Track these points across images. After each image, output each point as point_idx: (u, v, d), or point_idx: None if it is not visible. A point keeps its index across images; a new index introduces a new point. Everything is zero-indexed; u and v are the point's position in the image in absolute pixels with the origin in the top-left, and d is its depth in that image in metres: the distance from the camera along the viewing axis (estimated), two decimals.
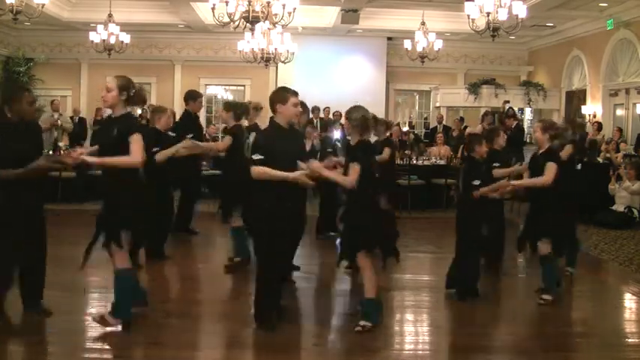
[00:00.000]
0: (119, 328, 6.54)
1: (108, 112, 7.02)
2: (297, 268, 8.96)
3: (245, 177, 8.22)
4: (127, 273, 6.51)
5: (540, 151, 8.20)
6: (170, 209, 10.03)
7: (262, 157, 6.51)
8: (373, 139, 10.77)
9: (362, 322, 6.79)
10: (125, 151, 6.22)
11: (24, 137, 6.56)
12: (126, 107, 6.53)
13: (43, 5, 14.23)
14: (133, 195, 6.43)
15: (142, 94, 6.68)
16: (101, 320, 6.58)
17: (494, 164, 8.93)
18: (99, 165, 6.58)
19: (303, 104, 8.49)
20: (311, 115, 18.31)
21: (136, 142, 6.25)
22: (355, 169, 6.64)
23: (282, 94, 6.79)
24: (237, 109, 9.70)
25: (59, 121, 17.90)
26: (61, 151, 14.01)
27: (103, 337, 6.52)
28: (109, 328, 6.53)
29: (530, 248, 8.41)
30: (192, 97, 10.86)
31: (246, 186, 8.59)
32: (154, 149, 9.14)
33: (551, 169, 7.88)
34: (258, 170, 6.52)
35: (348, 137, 7.48)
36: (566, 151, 9.26)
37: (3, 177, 6.32)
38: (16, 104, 6.61)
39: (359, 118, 6.91)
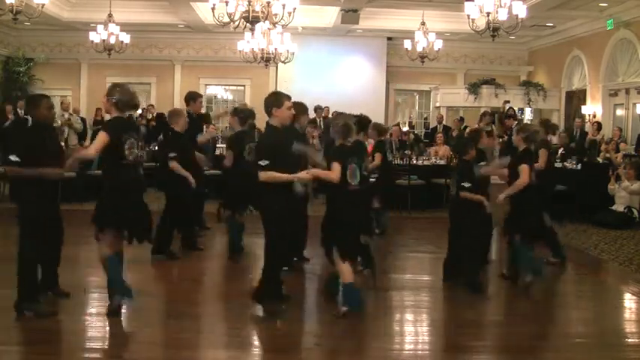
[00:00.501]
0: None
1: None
2: (307, 260, 9.35)
3: (246, 180, 8.54)
4: (109, 260, 6.95)
5: (517, 153, 8.76)
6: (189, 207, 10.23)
7: (268, 162, 6.95)
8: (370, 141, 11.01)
9: (343, 308, 7.22)
10: (109, 150, 6.78)
11: (41, 138, 7.04)
12: (120, 111, 7.00)
13: (43, 5, 14.23)
14: (118, 194, 6.87)
15: (126, 100, 7.04)
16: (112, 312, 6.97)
17: (481, 163, 9.23)
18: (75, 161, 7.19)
19: (301, 104, 8.77)
20: (314, 115, 18.42)
21: (97, 138, 6.81)
22: (336, 167, 7.16)
23: (277, 99, 7.28)
24: (241, 113, 9.98)
25: (70, 120, 17.97)
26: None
27: (103, 337, 6.56)
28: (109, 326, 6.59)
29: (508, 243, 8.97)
30: (192, 97, 11.01)
31: (247, 188, 8.88)
32: (171, 155, 9.51)
33: (524, 171, 8.44)
34: (266, 175, 6.97)
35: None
36: (542, 157, 9.62)
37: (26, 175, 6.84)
38: (35, 109, 7.10)
39: (341, 125, 7.43)
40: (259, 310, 7.22)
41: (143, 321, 7.02)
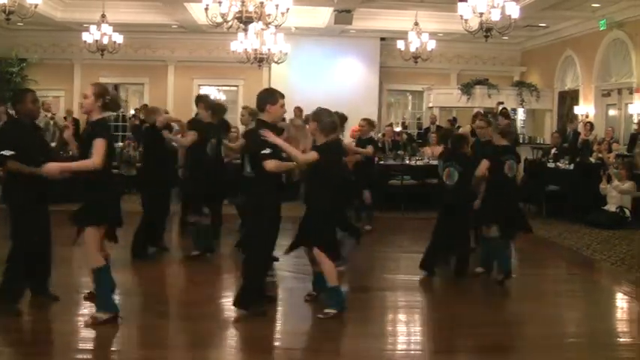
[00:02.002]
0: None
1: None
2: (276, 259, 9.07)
3: (212, 176, 8.64)
4: (101, 271, 6.82)
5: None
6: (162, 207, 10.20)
7: (270, 150, 6.89)
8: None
9: (326, 310, 7.21)
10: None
11: (32, 135, 7.15)
12: (103, 113, 6.86)
13: (36, 5, 14.17)
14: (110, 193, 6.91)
15: (116, 102, 7.09)
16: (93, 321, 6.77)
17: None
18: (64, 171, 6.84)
19: None
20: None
21: (99, 146, 6.53)
22: (313, 153, 7.23)
23: (273, 95, 7.27)
24: (214, 107, 10.03)
25: (55, 118, 17.95)
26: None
27: (96, 338, 6.54)
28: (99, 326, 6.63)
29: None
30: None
31: (212, 184, 8.98)
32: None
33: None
34: (272, 164, 6.92)
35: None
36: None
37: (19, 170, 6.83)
38: (20, 104, 7.09)
39: (328, 122, 7.38)
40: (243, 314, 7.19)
41: (133, 322, 7.02)
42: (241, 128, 11.42)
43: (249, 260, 7.26)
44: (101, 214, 6.73)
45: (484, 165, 8.96)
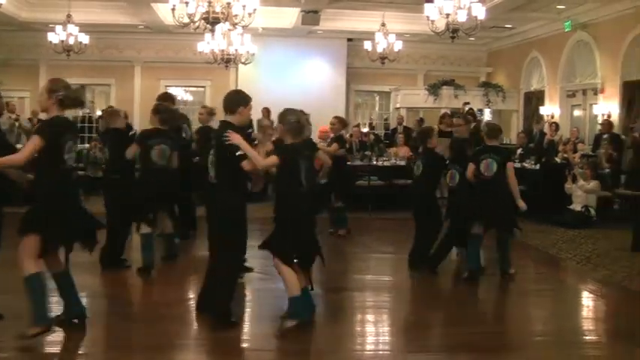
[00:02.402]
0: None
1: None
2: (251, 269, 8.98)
3: (160, 185, 8.82)
4: (32, 279, 6.20)
5: None
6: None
7: (243, 152, 6.69)
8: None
9: (289, 322, 6.93)
10: (47, 152, 6.11)
11: None
12: (62, 110, 6.34)
13: (1, 5, 14.05)
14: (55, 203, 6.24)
15: (74, 97, 6.44)
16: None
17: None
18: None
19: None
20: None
21: (29, 142, 6.12)
22: (273, 157, 6.95)
23: (245, 98, 7.09)
24: (164, 114, 9.51)
25: (19, 119, 17.81)
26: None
27: (57, 342, 6.44)
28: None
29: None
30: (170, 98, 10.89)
31: (160, 193, 8.89)
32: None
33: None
34: (249, 164, 6.73)
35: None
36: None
37: None
38: None
39: (292, 122, 7.10)
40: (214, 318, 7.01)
41: (100, 324, 6.97)
42: None
43: (220, 265, 7.04)
44: (37, 223, 6.15)
45: (470, 168, 9.15)
